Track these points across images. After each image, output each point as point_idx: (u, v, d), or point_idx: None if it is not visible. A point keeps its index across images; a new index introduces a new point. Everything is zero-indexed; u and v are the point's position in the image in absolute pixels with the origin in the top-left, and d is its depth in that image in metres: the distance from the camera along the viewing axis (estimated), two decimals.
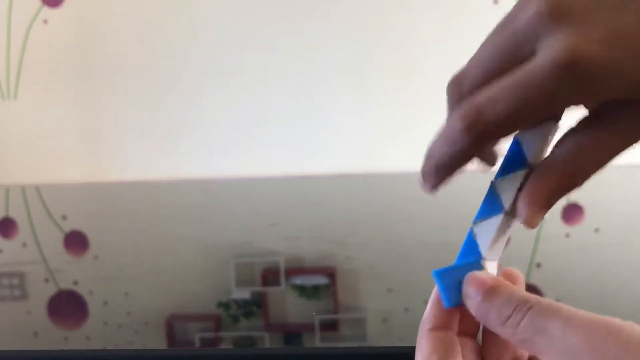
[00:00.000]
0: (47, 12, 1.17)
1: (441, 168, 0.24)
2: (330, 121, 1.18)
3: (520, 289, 0.23)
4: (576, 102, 0.21)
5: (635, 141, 0.22)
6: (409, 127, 1.17)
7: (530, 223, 0.24)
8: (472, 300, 0.24)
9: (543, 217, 0.24)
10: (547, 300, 0.22)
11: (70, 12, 1.17)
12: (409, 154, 1.20)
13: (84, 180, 1.22)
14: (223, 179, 1.21)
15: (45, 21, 1.17)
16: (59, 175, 1.23)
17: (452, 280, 0.25)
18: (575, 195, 0.96)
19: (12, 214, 1.06)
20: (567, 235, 0.80)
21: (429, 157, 0.25)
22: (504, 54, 0.23)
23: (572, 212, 0.88)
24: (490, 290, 0.24)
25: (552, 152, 0.24)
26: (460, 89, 0.25)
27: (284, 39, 1.16)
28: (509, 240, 0.27)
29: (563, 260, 0.70)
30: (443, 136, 0.24)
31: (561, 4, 0.21)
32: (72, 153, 1.22)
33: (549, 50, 0.20)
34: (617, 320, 0.20)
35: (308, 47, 1.16)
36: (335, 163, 1.19)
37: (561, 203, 0.94)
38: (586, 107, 0.23)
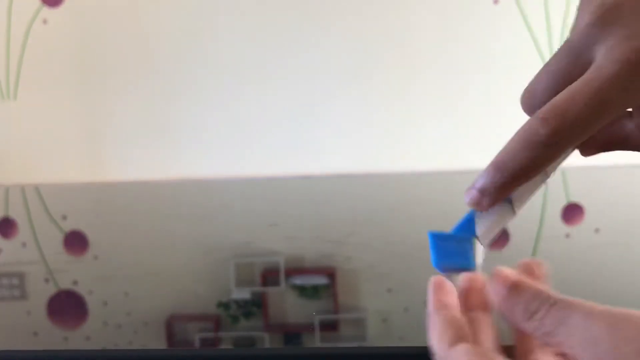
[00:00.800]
0: (47, 12, 1.17)
1: (517, 178, 0.24)
2: (330, 121, 1.18)
3: (540, 285, 0.24)
4: None
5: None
6: (409, 127, 1.17)
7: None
8: (498, 295, 0.24)
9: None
10: (567, 297, 0.23)
11: (70, 12, 1.17)
12: (409, 154, 1.20)
13: (84, 180, 1.22)
14: (223, 179, 1.21)
15: (45, 21, 1.17)
16: (58, 175, 1.23)
17: (443, 245, 0.27)
18: (575, 196, 0.97)
19: (12, 214, 1.06)
20: (567, 236, 0.80)
21: (500, 168, 0.24)
22: (566, 67, 0.25)
23: (572, 212, 0.88)
24: (515, 286, 0.24)
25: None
26: (533, 102, 0.26)
27: (284, 38, 1.16)
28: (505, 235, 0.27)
29: (563, 261, 0.69)
30: (521, 143, 0.24)
31: (608, 11, 0.23)
32: (72, 153, 1.22)
33: (609, 54, 0.22)
34: (636, 311, 0.21)
35: (308, 47, 1.16)
36: (335, 163, 1.19)
37: (561, 203, 0.94)
38: None
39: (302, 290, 0.63)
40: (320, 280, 0.64)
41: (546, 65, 0.26)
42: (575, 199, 0.92)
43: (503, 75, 1.09)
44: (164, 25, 1.17)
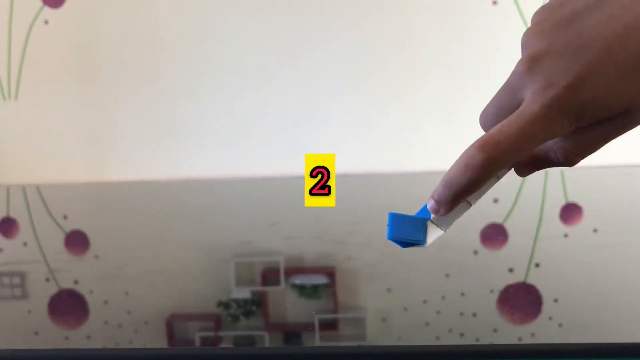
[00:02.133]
0: (48, 12, 1.17)
1: (460, 194, 0.30)
2: (330, 121, 1.18)
3: None
4: (561, 131, 0.28)
5: (618, 134, 0.30)
6: (409, 127, 1.17)
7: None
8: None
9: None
10: None
11: (71, 13, 1.17)
12: (409, 154, 1.20)
13: (84, 180, 1.23)
14: (223, 179, 1.21)
15: (46, 21, 1.17)
16: (59, 175, 1.23)
17: (400, 221, 0.34)
18: (574, 196, 0.97)
19: (13, 214, 1.06)
20: (566, 236, 0.80)
21: (448, 186, 0.30)
22: (505, 103, 0.31)
23: (571, 212, 0.89)
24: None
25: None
26: (485, 124, 0.33)
27: (285, 40, 1.17)
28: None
29: (561, 260, 0.70)
30: (462, 166, 0.30)
31: (534, 63, 0.29)
32: (73, 153, 1.22)
33: (532, 96, 0.29)
34: None
35: (308, 48, 1.17)
36: (336, 163, 1.19)
37: (560, 203, 0.94)
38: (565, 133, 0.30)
39: (302, 290, 0.63)
40: (320, 279, 0.65)
41: (493, 97, 0.32)
42: (573, 199, 0.92)
43: (502, 76, 1.10)
44: (165, 25, 1.17)
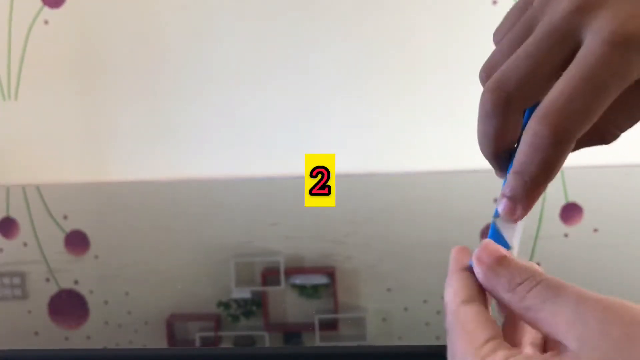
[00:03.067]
0: (48, 12, 1.17)
1: (538, 182, 0.24)
2: (330, 121, 1.18)
3: (531, 264, 0.24)
4: (636, 73, 0.22)
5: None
6: (409, 127, 1.17)
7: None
8: (483, 264, 0.24)
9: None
10: (557, 278, 0.23)
11: (71, 13, 1.17)
12: (410, 154, 1.20)
13: (84, 180, 1.22)
14: (223, 179, 1.21)
15: (46, 22, 1.17)
16: (59, 175, 1.23)
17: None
18: (574, 195, 0.97)
19: (13, 214, 1.06)
20: (566, 235, 0.80)
21: (521, 175, 0.24)
22: (547, 51, 0.24)
23: (571, 212, 0.88)
24: (503, 258, 0.24)
25: None
26: (507, 93, 0.25)
27: (285, 39, 1.17)
28: None
29: (562, 260, 0.70)
30: (531, 149, 0.24)
31: None
32: (73, 153, 1.22)
33: (599, 36, 0.22)
34: (629, 303, 0.21)
35: (308, 47, 1.17)
36: (336, 163, 1.19)
37: (560, 203, 0.94)
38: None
39: (302, 290, 0.63)
40: (320, 279, 0.65)
41: (522, 51, 0.25)
42: (574, 198, 0.92)
43: None
44: (165, 25, 1.17)
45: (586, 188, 1.00)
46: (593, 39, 0.22)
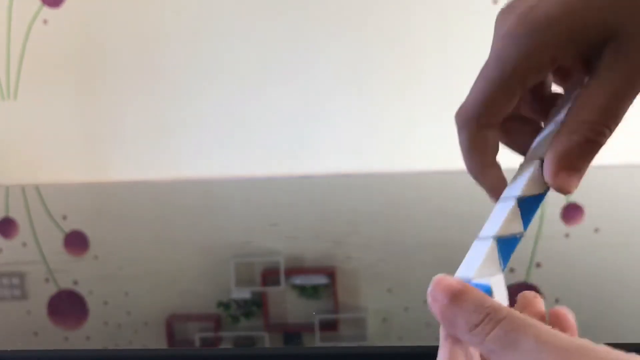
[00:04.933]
0: (47, 12, 1.17)
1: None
2: (329, 121, 1.18)
3: (488, 297, 0.23)
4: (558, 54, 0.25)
5: (635, 79, 0.25)
6: (409, 127, 1.17)
7: (561, 188, 0.26)
8: (438, 304, 0.23)
9: (575, 182, 0.26)
10: (519, 313, 0.22)
11: (70, 13, 1.17)
12: (409, 154, 1.20)
13: (84, 180, 1.22)
14: (223, 179, 1.21)
15: (45, 21, 1.17)
16: (59, 175, 1.23)
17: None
18: (575, 196, 0.97)
19: (12, 214, 1.06)
20: (567, 235, 0.80)
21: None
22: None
23: (572, 212, 0.88)
24: (458, 294, 0.23)
25: (567, 116, 0.26)
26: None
27: (284, 39, 1.16)
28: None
29: (563, 260, 0.70)
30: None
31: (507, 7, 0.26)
32: (72, 153, 1.22)
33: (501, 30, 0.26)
34: (590, 343, 0.20)
35: (307, 47, 1.16)
36: (335, 163, 1.19)
37: (561, 203, 0.94)
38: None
39: (302, 290, 0.63)
40: (320, 280, 0.64)
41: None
42: (574, 199, 0.92)
43: None
44: (164, 25, 1.17)
45: (587, 188, 1.00)
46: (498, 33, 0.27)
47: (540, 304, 0.27)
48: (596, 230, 0.82)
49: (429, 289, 0.24)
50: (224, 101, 1.19)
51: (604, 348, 0.20)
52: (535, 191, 0.26)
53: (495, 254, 0.25)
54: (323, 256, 0.75)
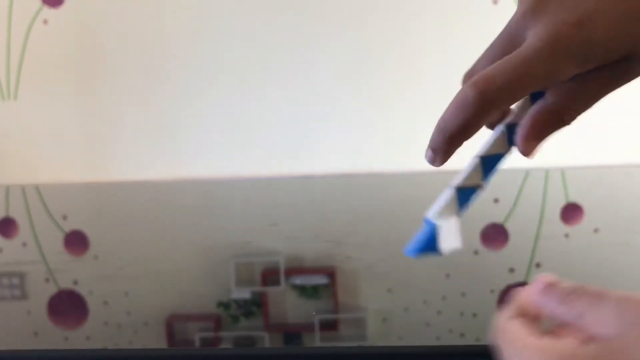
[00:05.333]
0: (48, 12, 1.17)
1: (455, 137, 0.28)
2: (329, 121, 1.18)
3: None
4: (563, 72, 0.26)
5: (614, 87, 0.28)
6: (409, 126, 1.17)
7: (525, 151, 0.29)
8: (539, 284, 0.27)
9: (536, 149, 0.29)
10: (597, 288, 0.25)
11: (70, 13, 1.17)
12: (409, 154, 1.20)
13: (84, 180, 1.22)
14: (223, 179, 1.21)
15: (45, 21, 1.17)
16: (59, 175, 1.23)
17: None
18: (574, 196, 0.97)
19: (12, 214, 1.06)
20: (567, 236, 0.80)
21: (441, 129, 0.28)
22: (503, 46, 0.29)
23: (572, 212, 0.88)
24: (554, 282, 0.27)
25: (546, 96, 0.28)
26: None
27: (284, 39, 1.16)
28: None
29: (562, 260, 0.70)
30: (455, 106, 0.27)
31: (538, 3, 0.27)
32: (72, 153, 1.22)
33: (536, 34, 0.27)
34: None
35: (307, 47, 1.16)
36: (335, 163, 1.19)
37: (561, 203, 0.94)
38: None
39: (302, 290, 0.63)
40: (320, 280, 0.64)
41: (485, 51, 0.30)
42: (574, 199, 0.92)
43: None
44: (164, 25, 1.17)
45: (586, 188, 1.00)
46: (533, 36, 0.27)
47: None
48: (596, 230, 0.82)
49: (531, 287, 0.27)
50: (224, 101, 1.19)
51: None
52: (497, 151, 0.30)
53: (454, 201, 0.30)
54: (323, 256, 0.75)
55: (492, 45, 0.30)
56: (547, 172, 1.03)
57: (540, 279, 0.27)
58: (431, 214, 0.30)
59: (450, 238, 0.30)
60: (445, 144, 0.28)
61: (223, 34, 1.17)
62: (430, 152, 0.29)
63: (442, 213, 0.30)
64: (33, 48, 1.19)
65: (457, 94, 0.28)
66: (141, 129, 1.21)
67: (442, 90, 1.20)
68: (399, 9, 1.14)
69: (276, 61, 1.17)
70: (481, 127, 0.28)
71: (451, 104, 0.28)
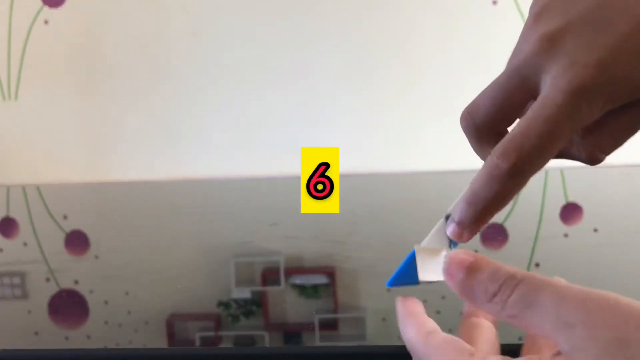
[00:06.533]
0: (48, 12, 1.17)
1: (488, 210, 0.26)
2: (330, 121, 1.18)
3: (502, 265, 0.24)
4: (590, 118, 0.25)
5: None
6: (409, 127, 1.17)
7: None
8: (454, 279, 0.24)
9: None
10: (535, 275, 0.22)
11: (71, 13, 1.17)
12: (409, 154, 1.20)
13: (84, 180, 1.22)
14: (223, 179, 1.21)
15: (46, 21, 1.17)
16: (59, 175, 1.23)
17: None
18: (574, 195, 0.97)
19: (13, 214, 1.06)
20: (566, 235, 0.80)
21: (471, 202, 0.26)
22: (511, 89, 0.27)
23: (571, 212, 0.88)
24: (473, 266, 0.24)
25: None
26: (475, 121, 0.28)
27: (284, 39, 1.17)
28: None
29: (562, 260, 0.70)
30: (487, 178, 0.25)
31: (551, 41, 0.25)
32: (73, 153, 1.22)
33: (555, 85, 0.24)
34: (613, 294, 0.20)
35: (307, 47, 1.17)
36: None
37: (560, 203, 0.94)
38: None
39: (302, 290, 0.63)
40: (320, 279, 0.65)
41: (489, 88, 0.28)
42: (573, 198, 0.92)
43: None
44: (164, 25, 1.17)
45: (586, 188, 1.00)
46: (551, 86, 0.25)
47: None
48: (595, 230, 0.82)
49: (444, 267, 0.25)
50: (225, 101, 1.19)
51: (626, 299, 0.20)
52: None
53: (443, 230, 0.28)
54: (323, 256, 0.75)
55: (498, 83, 0.27)
56: (546, 172, 1.04)
57: (455, 262, 0.24)
58: (422, 243, 0.28)
59: (431, 269, 0.28)
60: (476, 217, 0.26)
61: (223, 34, 1.17)
62: (457, 228, 0.27)
63: (431, 242, 0.28)
64: (33, 48, 1.19)
65: (486, 165, 0.26)
66: (141, 129, 1.21)
67: (442, 90, 1.20)
68: (399, 9, 1.14)
69: (276, 61, 1.17)
70: (513, 196, 0.26)
71: (480, 175, 0.26)
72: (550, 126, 0.24)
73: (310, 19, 1.15)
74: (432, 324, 0.26)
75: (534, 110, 0.25)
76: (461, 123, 0.29)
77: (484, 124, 0.28)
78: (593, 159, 0.28)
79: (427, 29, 1.14)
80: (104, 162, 1.23)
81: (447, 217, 0.28)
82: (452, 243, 0.28)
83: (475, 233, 0.27)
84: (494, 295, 0.22)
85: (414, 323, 0.26)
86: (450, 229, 0.27)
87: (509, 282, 0.22)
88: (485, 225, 0.27)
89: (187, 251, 0.81)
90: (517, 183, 0.25)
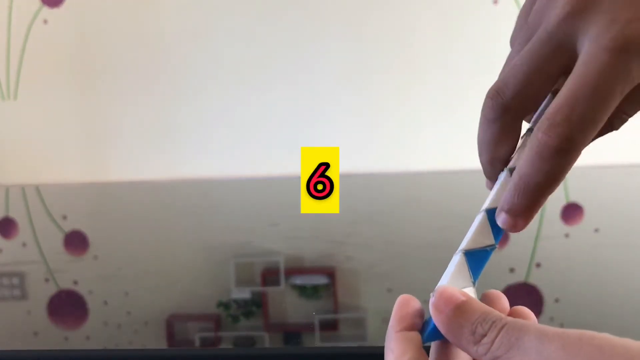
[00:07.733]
0: (47, 12, 1.17)
1: (542, 192, 0.24)
2: (330, 121, 1.18)
3: (492, 309, 0.23)
4: (637, 78, 0.22)
5: None
6: (409, 127, 1.17)
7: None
8: (443, 315, 0.24)
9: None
10: (517, 319, 0.22)
11: (70, 12, 1.17)
12: (410, 154, 1.20)
13: (84, 180, 1.22)
14: (223, 179, 1.21)
15: (45, 21, 1.17)
16: (59, 175, 1.23)
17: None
18: (574, 195, 0.97)
19: (12, 214, 1.06)
20: (567, 235, 0.80)
21: (523, 187, 0.24)
22: (544, 57, 0.24)
23: (572, 212, 0.88)
24: (462, 305, 0.23)
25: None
26: (504, 100, 0.25)
27: (284, 39, 1.16)
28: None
29: (562, 260, 0.70)
30: (536, 158, 0.23)
31: (585, 0, 0.22)
32: (72, 153, 1.22)
33: (598, 43, 0.22)
34: (589, 331, 0.20)
35: (308, 47, 1.16)
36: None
37: (561, 203, 0.94)
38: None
39: (302, 290, 0.63)
40: (320, 280, 0.64)
41: (518, 62, 0.25)
42: (574, 198, 0.92)
43: None
44: (164, 25, 1.17)
45: (587, 188, 1.00)
46: (593, 46, 0.22)
47: (504, 302, 0.27)
48: (596, 230, 0.82)
49: (432, 300, 0.24)
50: (224, 101, 1.19)
51: (604, 335, 0.20)
52: None
53: (465, 267, 0.26)
54: (323, 256, 0.75)
55: (528, 53, 0.25)
56: None
57: (444, 297, 0.23)
58: (441, 282, 0.26)
59: None
60: (530, 203, 0.24)
61: (223, 33, 1.17)
62: (508, 218, 0.25)
63: (453, 284, 0.25)
64: (33, 48, 1.19)
65: (532, 145, 0.23)
66: (141, 129, 1.21)
67: (442, 90, 1.20)
68: (399, 9, 1.13)
69: (276, 61, 1.17)
70: (566, 174, 0.24)
71: (528, 157, 0.23)
72: (601, 87, 0.22)
73: (310, 18, 1.15)
74: (414, 352, 0.25)
75: (575, 75, 0.22)
76: (487, 103, 0.26)
77: (515, 101, 0.25)
78: (615, 123, 0.26)
79: (428, 29, 1.14)
80: (103, 162, 1.22)
81: (463, 252, 0.26)
82: (497, 237, 0.26)
83: (530, 220, 0.25)
84: (482, 336, 0.22)
85: (394, 350, 0.26)
86: (502, 219, 0.25)
87: (496, 323, 0.22)
88: (539, 210, 0.25)
89: (187, 251, 0.81)
90: (569, 159, 0.23)
